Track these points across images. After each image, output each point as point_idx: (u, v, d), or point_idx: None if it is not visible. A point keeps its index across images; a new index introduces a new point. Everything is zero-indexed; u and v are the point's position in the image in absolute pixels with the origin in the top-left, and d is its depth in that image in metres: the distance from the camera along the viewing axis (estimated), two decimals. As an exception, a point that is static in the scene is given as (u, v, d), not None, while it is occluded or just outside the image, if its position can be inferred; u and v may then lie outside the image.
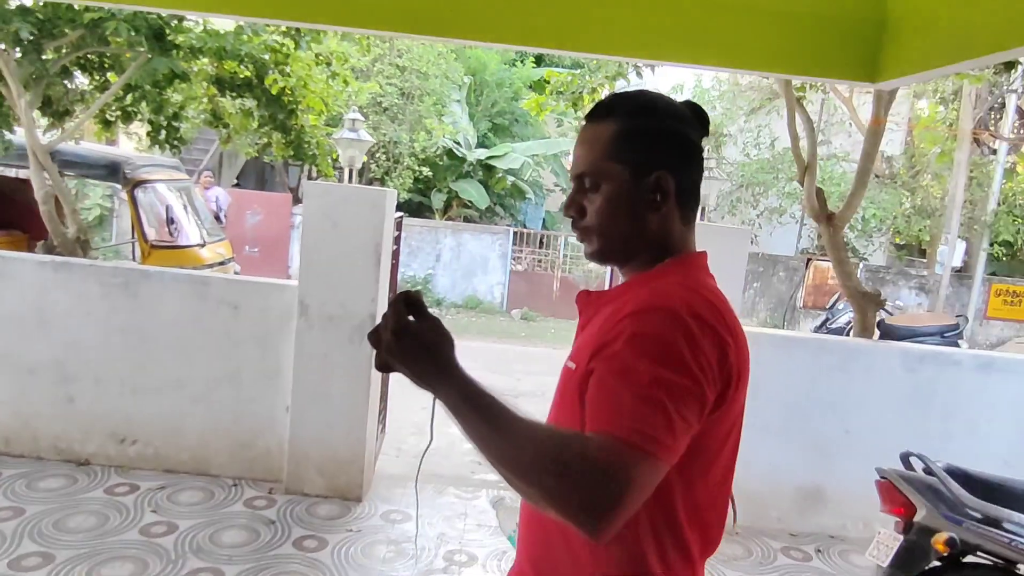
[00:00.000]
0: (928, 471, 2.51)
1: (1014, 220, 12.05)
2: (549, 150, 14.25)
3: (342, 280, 3.72)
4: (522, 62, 15.79)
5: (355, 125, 3.67)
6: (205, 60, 5.22)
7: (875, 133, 3.95)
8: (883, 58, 2.18)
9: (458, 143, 13.60)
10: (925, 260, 13.56)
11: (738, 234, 3.79)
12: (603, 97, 1.22)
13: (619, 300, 1.08)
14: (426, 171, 13.00)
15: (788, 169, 11.45)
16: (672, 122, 1.12)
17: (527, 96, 15.49)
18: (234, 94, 5.56)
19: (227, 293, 3.91)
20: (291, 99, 5.15)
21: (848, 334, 9.80)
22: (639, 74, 5.25)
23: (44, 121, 5.24)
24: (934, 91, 13.45)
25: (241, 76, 5.36)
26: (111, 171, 6.04)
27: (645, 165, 1.08)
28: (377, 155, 12.63)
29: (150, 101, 5.25)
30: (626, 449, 0.89)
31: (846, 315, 9.94)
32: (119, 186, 6.28)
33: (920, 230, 11.57)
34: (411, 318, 1.00)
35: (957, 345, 9.46)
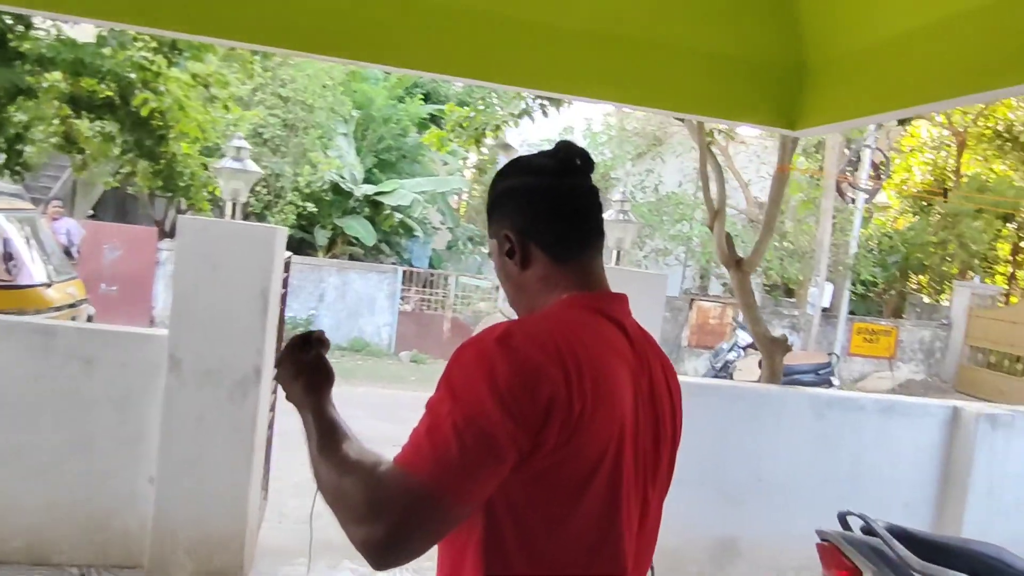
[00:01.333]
0: (868, 531, 2.40)
1: (872, 263, 13.04)
2: (438, 188, 14.03)
3: (222, 330, 3.24)
4: (410, 97, 15.58)
5: (240, 154, 3.25)
6: (58, 74, 4.58)
7: (781, 180, 4.01)
8: (802, 106, 2.16)
9: (344, 178, 13.09)
10: (794, 300, 14.42)
11: (654, 279, 3.68)
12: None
13: None
14: (310, 206, 12.37)
15: (674, 211, 11.86)
16: (519, 178, 1.12)
17: (415, 133, 15.37)
18: (92, 115, 4.92)
19: (78, 344, 3.32)
20: (161, 124, 4.59)
21: (731, 374, 10.12)
22: (544, 112, 5.14)
23: None
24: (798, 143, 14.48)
25: (101, 95, 4.76)
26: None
27: (498, 230, 1.12)
28: (257, 188, 11.90)
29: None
30: (405, 482, 0.90)
31: (732, 353, 10.28)
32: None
33: (794, 272, 12.26)
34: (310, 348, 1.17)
35: (830, 382, 9.98)
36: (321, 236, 13.31)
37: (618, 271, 3.68)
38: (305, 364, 1.15)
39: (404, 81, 15.23)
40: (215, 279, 3.23)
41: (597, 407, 0.95)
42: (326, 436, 1.05)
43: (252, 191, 12.31)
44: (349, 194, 13.28)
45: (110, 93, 4.74)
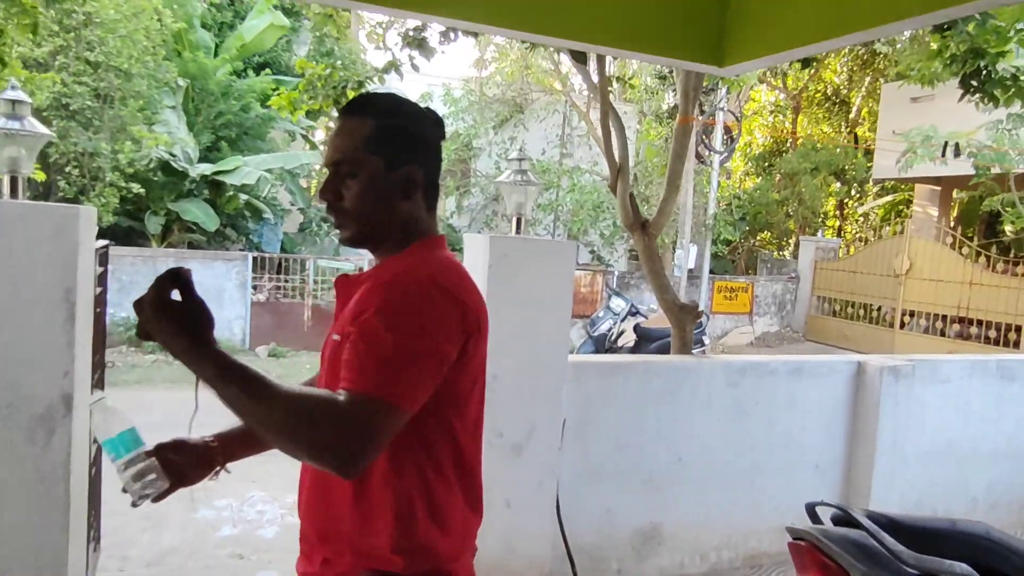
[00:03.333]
0: (846, 521, 2.09)
1: (730, 221, 13.50)
2: (287, 164, 12.81)
3: (11, 348, 2.40)
4: (252, 70, 14.08)
5: (16, 110, 2.38)
6: None
7: (684, 132, 3.66)
8: (728, 44, 2.18)
9: (175, 156, 11.56)
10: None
11: (564, 247, 3.21)
12: (359, 95, 1.39)
13: (375, 278, 1.25)
14: (136, 188, 10.80)
15: (540, 180, 11.57)
16: (419, 123, 1.31)
17: (256, 110, 13.91)
18: None
19: None
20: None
21: (608, 342, 10.02)
22: (414, 66, 4.49)
23: None
24: (652, 110, 14.67)
25: None
26: None
27: (397, 159, 1.26)
28: (68, 169, 10.20)
29: None
30: (368, 400, 1.08)
31: (606, 322, 10.18)
32: None
33: (661, 236, 12.40)
34: (177, 295, 1.11)
35: (702, 342, 10.15)
36: (153, 223, 11.74)
37: (525, 240, 3.19)
38: (185, 305, 1.11)
39: (245, 51, 13.72)
40: (-7, 281, 2.36)
41: (482, 324, 1.28)
42: (250, 379, 1.07)
43: (62, 173, 10.57)
44: (183, 174, 11.77)
45: None
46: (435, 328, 1.16)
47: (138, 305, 1.09)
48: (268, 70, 13.91)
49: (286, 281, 11.81)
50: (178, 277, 1.11)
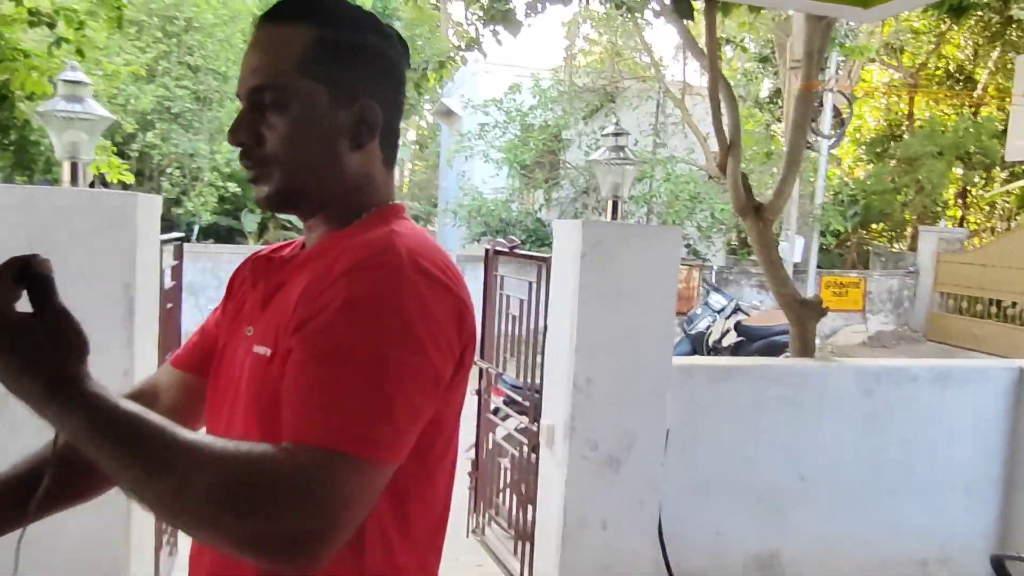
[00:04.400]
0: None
1: (840, 211, 12.53)
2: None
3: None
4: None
5: (77, 92, 2.24)
6: None
7: (806, 99, 3.17)
8: None
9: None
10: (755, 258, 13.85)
11: (667, 234, 2.82)
12: None
13: (320, 261, 0.83)
14: (233, 188, 11.09)
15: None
16: (380, 41, 0.89)
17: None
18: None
19: None
20: (-3, 77, 3.46)
21: (707, 342, 9.43)
22: (498, 40, 4.18)
23: None
24: (751, 96, 13.82)
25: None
26: None
27: (348, 89, 0.86)
28: (170, 171, 10.57)
29: None
30: (333, 460, 0.69)
31: (704, 320, 9.58)
32: None
33: (762, 227, 11.65)
34: (29, 303, 0.69)
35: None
36: (250, 221, 12.05)
37: (623, 226, 2.81)
38: (38, 320, 0.68)
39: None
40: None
41: (475, 329, 0.89)
42: (145, 434, 0.67)
43: (164, 174, 10.99)
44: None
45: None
46: (426, 336, 0.77)
47: None
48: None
49: (376, 278, 11.83)
50: (24, 272, 0.69)
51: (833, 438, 3.20)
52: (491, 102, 11.46)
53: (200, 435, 0.71)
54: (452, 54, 4.37)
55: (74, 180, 2.35)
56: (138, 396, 0.97)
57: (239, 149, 0.88)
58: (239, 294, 0.98)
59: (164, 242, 2.74)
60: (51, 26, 3.45)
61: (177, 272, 3.21)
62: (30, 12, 3.35)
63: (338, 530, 0.69)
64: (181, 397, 1.01)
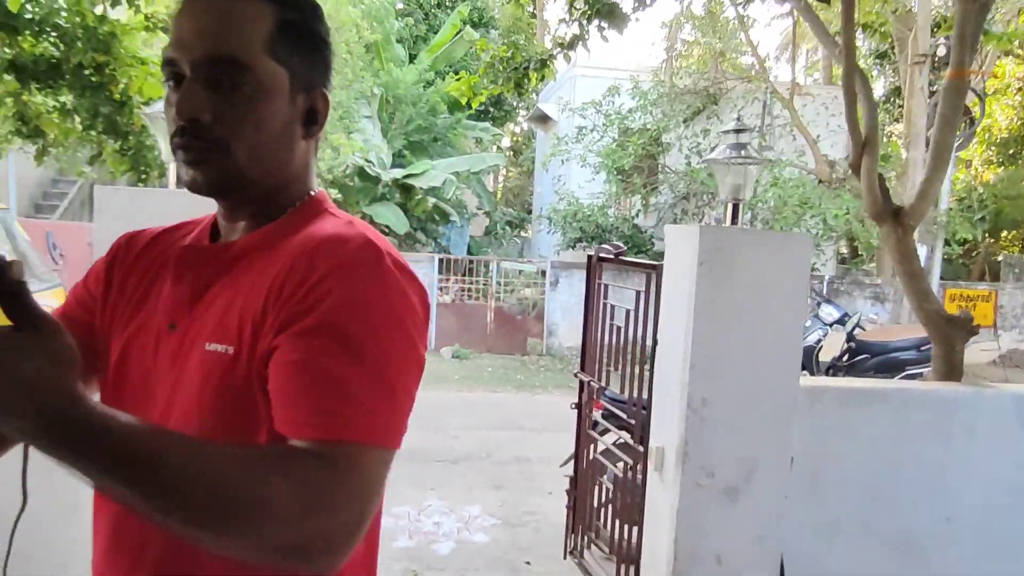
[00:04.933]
0: None
1: (968, 218, 11.54)
2: (474, 167, 12.96)
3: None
4: (440, 79, 14.51)
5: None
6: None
7: (956, 91, 2.81)
8: None
9: (370, 162, 12.09)
10: (870, 267, 12.96)
11: (797, 241, 2.54)
12: None
13: (271, 256, 0.81)
14: (335, 194, 11.42)
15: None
16: (326, 27, 0.87)
17: (444, 114, 14.29)
18: (41, 85, 3.94)
19: None
20: (116, 83, 3.58)
21: (817, 357, 8.84)
22: (604, 37, 4.00)
23: None
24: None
25: (46, 56, 3.77)
26: None
27: (306, 76, 0.84)
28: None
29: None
30: (364, 453, 0.70)
31: (814, 333, 9.00)
32: None
33: (876, 235, 10.88)
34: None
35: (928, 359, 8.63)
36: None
37: (745, 232, 2.56)
38: (21, 337, 0.57)
39: (436, 63, 14.23)
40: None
41: None
42: (156, 443, 0.62)
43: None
44: (377, 179, 12.29)
45: (56, 54, 3.74)
46: (411, 326, 0.78)
47: None
48: (454, 76, 14.31)
49: (471, 283, 11.88)
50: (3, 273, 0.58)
51: (986, 475, 2.80)
52: (589, 105, 11.26)
53: (219, 444, 0.69)
54: (555, 52, 4.22)
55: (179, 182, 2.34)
56: None
57: (179, 125, 0.79)
58: (132, 283, 0.90)
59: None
60: (166, 31, 3.55)
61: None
62: (146, 18, 3.47)
63: (365, 522, 0.69)
64: None
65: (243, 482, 0.63)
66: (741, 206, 2.57)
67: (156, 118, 2.28)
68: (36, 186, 12.01)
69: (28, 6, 3.51)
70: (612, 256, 3.22)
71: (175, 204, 2.24)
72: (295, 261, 0.78)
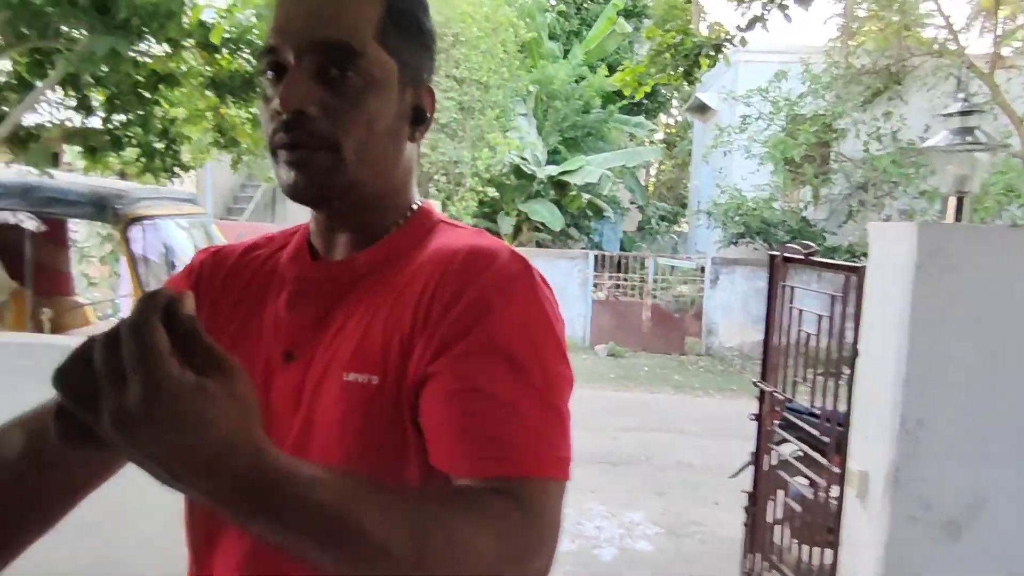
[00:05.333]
0: None
1: None
2: (629, 161, 12.73)
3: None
4: (592, 73, 14.37)
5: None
6: (191, 54, 3.96)
7: None
8: None
9: (526, 159, 12.23)
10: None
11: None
12: None
13: (401, 270, 0.74)
14: (491, 192, 11.65)
15: (921, 162, 9.49)
16: (432, 22, 0.78)
17: (598, 110, 14.15)
18: (236, 99, 4.27)
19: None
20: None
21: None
22: (787, 16, 3.69)
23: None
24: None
25: (240, 72, 4.07)
26: (97, 206, 4.84)
27: (414, 71, 0.75)
28: (436, 177, 11.40)
29: (130, 110, 4.01)
30: (551, 489, 0.65)
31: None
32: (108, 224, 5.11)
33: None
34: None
35: None
36: (506, 223, 12.59)
37: (974, 230, 2.22)
38: (215, 393, 0.47)
39: (589, 58, 14.13)
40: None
41: None
42: (351, 504, 0.54)
43: (431, 180, 11.88)
44: (532, 176, 12.41)
45: (249, 69, 4.03)
46: (562, 339, 0.72)
47: (75, 380, 0.47)
48: (606, 71, 14.14)
49: (625, 279, 11.66)
50: (174, 316, 0.48)
51: None
52: (755, 92, 10.62)
53: (408, 489, 0.65)
54: (731, 36, 3.96)
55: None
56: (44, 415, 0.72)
57: (282, 120, 0.69)
58: (225, 306, 0.80)
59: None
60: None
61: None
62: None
63: (553, 562, 0.65)
64: None
65: (442, 531, 0.57)
66: (967, 199, 2.23)
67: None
68: (228, 191, 13.29)
69: (225, 25, 3.80)
70: (801, 256, 2.95)
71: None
72: (441, 278, 0.70)
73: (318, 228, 0.79)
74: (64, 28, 3.32)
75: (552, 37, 14.90)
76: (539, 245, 12.88)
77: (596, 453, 5.90)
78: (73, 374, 0.47)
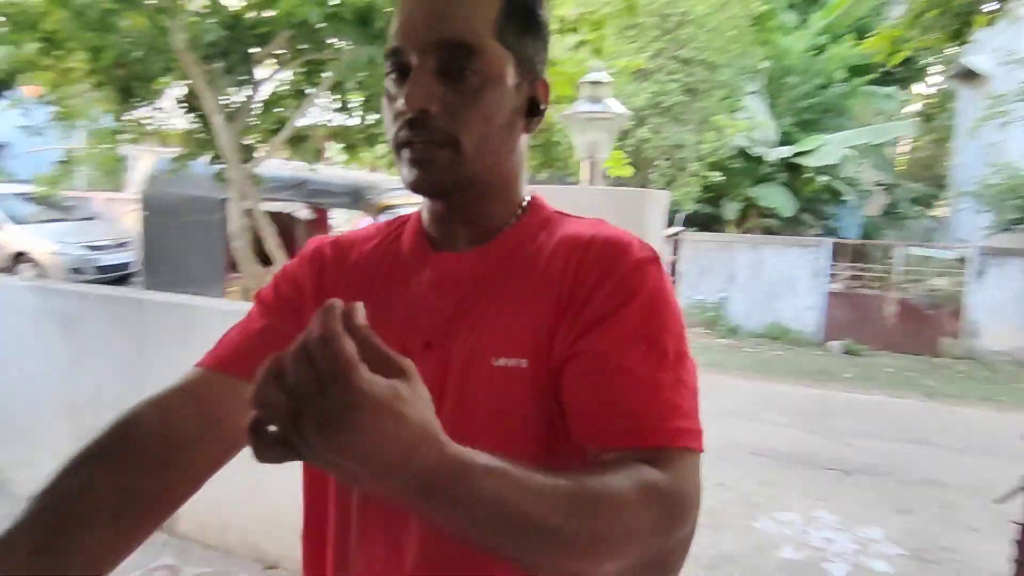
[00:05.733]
0: None
1: None
2: (875, 138, 11.47)
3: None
4: (835, 43, 13.11)
5: (597, 92, 2.30)
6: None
7: None
8: None
9: (754, 141, 11.53)
10: None
11: None
12: None
13: (534, 259, 0.78)
14: (715, 176, 11.17)
15: None
16: (546, 12, 0.81)
17: (839, 83, 12.84)
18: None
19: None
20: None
21: None
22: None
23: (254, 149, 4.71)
24: None
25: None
26: (353, 196, 5.47)
27: (529, 64, 0.78)
28: (658, 163, 11.19)
29: (381, 110, 4.44)
30: (694, 460, 0.69)
31: None
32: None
33: None
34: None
35: None
36: (730, 209, 12.02)
37: None
38: (405, 396, 0.50)
39: (832, 27, 12.92)
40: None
41: None
42: (523, 487, 0.57)
43: (655, 166, 11.67)
44: (761, 159, 11.69)
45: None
46: (684, 327, 0.76)
47: (270, 396, 0.49)
48: (852, 37, 12.77)
49: (866, 270, 10.57)
50: (354, 327, 0.50)
51: None
52: (1041, 53, 9.00)
53: (570, 471, 0.63)
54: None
55: (592, 178, 2.43)
56: (173, 401, 0.77)
57: (406, 119, 0.72)
58: (353, 296, 0.76)
59: (667, 236, 2.69)
60: (574, 31, 3.78)
61: (673, 266, 3.18)
62: (560, 21, 3.73)
63: (695, 529, 0.68)
64: (245, 412, 0.80)
65: (606, 507, 0.60)
66: None
67: (573, 119, 2.40)
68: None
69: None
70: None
71: (589, 200, 2.34)
72: (580, 265, 0.75)
73: (435, 219, 0.82)
74: (333, 41, 3.76)
75: (790, 6, 13.83)
76: (767, 232, 12.12)
77: (826, 458, 5.46)
78: (267, 392, 0.49)
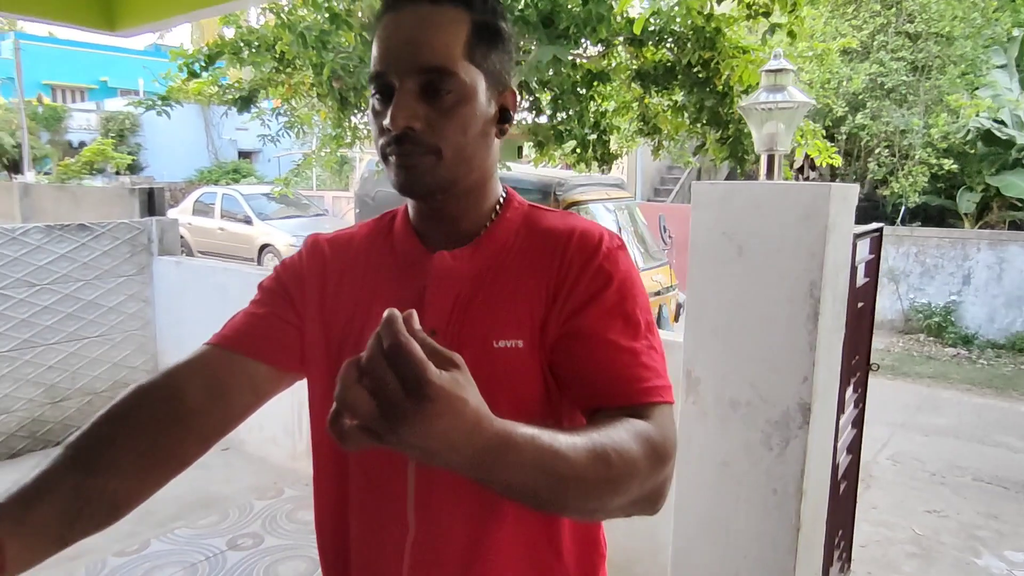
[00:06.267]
0: None
1: None
2: None
3: (754, 344, 2.22)
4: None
5: (779, 81, 2.15)
6: (619, 51, 4.26)
7: None
8: (117, 6, 2.14)
9: (1001, 122, 9.97)
10: None
11: None
12: None
13: (520, 250, 0.92)
14: (949, 164, 9.83)
15: None
16: (508, 22, 0.93)
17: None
18: (658, 88, 4.46)
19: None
20: (719, 75, 3.75)
21: None
22: None
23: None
24: None
25: (663, 62, 4.24)
26: (542, 193, 5.62)
27: (499, 77, 0.90)
28: (878, 151, 10.09)
29: (569, 107, 4.53)
30: (669, 413, 0.85)
31: None
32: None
33: None
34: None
35: None
36: (967, 201, 10.53)
37: None
38: (462, 382, 0.61)
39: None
40: (740, 268, 2.22)
41: None
42: (552, 448, 0.68)
43: (872, 155, 10.54)
44: (1010, 143, 10.08)
45: (670, 58, 4.18)
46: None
47: (351, 395, 0.57)
48: None
49: None
50: (412, 326, 0.60)
51: None
52: None
53: (588, 428, 0.75)
54: None
55: (770, 173, 2.30)
56: (184, 373, 0.89)
57: (392, 135, 0.83)
58: (347, 290, 0.94)
59: (859, 235, 2.46)
60: (766, 15, 3.55)
61: (872, 267, 2.89)
62: (748, 7, 3.52)
63: (673, 469, 0.81)
64: (248, 386, 0.91)
65: (617, 454, 0.72)
66: None
67: (750, 110, 2.28)
68: (655, 173, 13.96)
69: (651, 19, 3.98)
70: None
71: (764, 197, 2.21)
72: (563, 255, 0.88)
73: (422, 217, 0.94)
74: (518, 42, 3.91)
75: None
76: (1015, 227, 10.46)
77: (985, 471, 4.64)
78: (351, 394, 0.57)
